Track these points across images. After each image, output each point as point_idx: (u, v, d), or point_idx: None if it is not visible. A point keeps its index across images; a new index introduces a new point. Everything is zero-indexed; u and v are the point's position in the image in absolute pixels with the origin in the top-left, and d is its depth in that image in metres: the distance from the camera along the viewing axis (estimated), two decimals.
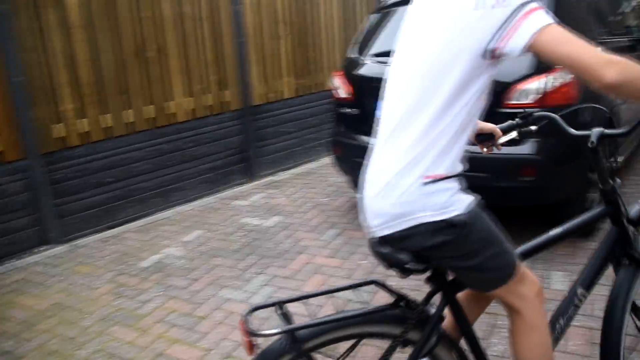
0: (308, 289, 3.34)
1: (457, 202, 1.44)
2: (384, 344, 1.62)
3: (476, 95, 1.39)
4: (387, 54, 3.89)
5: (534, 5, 1.27)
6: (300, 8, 5.92)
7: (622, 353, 1.84)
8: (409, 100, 1.42)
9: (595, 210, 1.82)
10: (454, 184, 1.45)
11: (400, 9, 4.03)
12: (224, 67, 5.28)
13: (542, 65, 3.19)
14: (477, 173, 3.37)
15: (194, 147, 5.13)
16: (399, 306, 1.58)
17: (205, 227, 4.46)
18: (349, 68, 4.13)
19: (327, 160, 5.91)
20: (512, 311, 1.62)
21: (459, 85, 1.36)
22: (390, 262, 1.53)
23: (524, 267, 1.59)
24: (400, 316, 1.57)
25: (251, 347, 1.44)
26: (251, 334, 1.42)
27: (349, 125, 4.09)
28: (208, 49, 5.11)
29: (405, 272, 1.52)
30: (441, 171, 1.41)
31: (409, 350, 1.61)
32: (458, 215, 1.42)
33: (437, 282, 1.61)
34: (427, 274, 1.60)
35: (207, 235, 4.30)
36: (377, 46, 4.02)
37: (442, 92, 1.36)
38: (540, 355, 1.62)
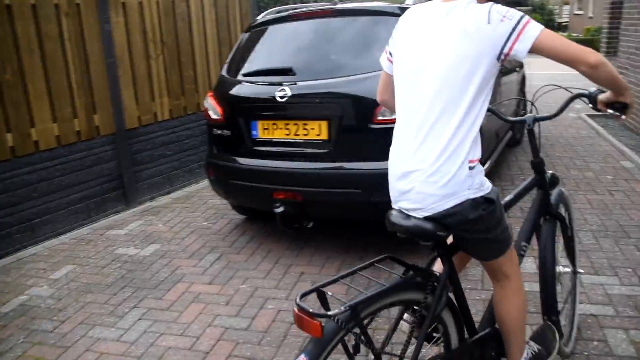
0: (185, 319, 3.22)
1: (487, 181, 1.83)
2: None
3: (490, 91, 1.76)
4: (258, 73, 3.92)
5: (527, 18, 1.66)
6: (172, 27, 5.78)
7: (556, 292, 2.37)
8: (443, 101, 1.71)
9: (530, 179, 2.35)
10: (481, 167, 1.81)
11: (272, 27, 4.05)
12: (93, 89, 5.01)
13: None
14: (350, 189, 3.47)
15: (62, 176, 4.80)
16: (413, 274, 1.85)
17: (77, 262, 4.18)
18: (221, 88, 4.07)
19: (207, 182, 5.79)
20: (503, 277, 2.00)
21: (481, 83, 1.71)
22: (419, 233, 1.79)
23: None
24: (420, 283, 1.84)
25: (321, 328, 1.54)
26: (319, 315, 1.54)
27: (222, 146, 4.03)
28: (74, 70, 4.82)
29: (431, 239, 1.82)
30: (477, 155, 1.77)
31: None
32: (490, 193, 1.81)
33: (441, 248, 1.91)
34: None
35: (79, 270, 4.03)
36: (249, 66, 3.99)
37: (470, 90, 1.70)
38: (523, 312, 2.04)
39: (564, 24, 36.53)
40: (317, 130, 3.49)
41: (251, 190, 3.81)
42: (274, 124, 3.65)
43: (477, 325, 2.16)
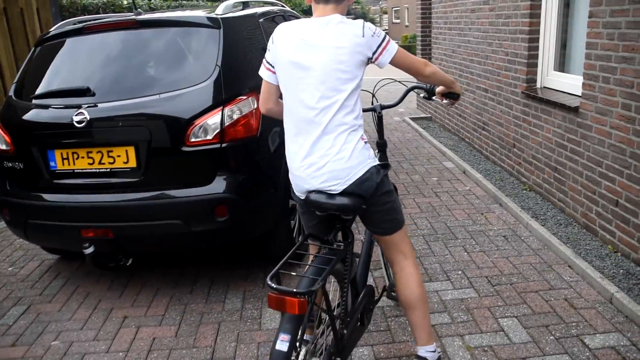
0: None
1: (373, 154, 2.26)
2: None
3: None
4: (53, 94, 3.35)
5: (388, 37, 2.16)
6: None
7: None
8: (332, 101, 2.10)
9: (379, 156, 2.78)
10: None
11: (69, 40, 3.50)
12: None
13: (218, 97, 3.08)
14: (168, 220, 3.10)
15: None
16: (330, 248, 2.16)
17: None
18: (8, 114, 3.44)
19: None
20: (402, 257, 2.39)
21: (358, 82, 2.15)
22: (345, 208, 2.12)
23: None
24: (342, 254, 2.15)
25: (307, 303, 1.78)
26: (302, 293, 1.75)
27: (16, 181, 3.41)
28: None
29: (353, 212, 2.21)
30: (365, 137, 2.20)
31: None
32: (379, 160, 2.40)
33: (344, 222, 2.29)
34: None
35: None
36: (42, 86, 3.40)
37: (352, 89, 2.12)
38: (423, 288, 2.40)
39: (385, 31, 39.10)
40: (124, 157, 3.07)
41: (55, 229, 3.26)
42: (74, 152, 3.14)
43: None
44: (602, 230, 3.84)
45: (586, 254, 3.66)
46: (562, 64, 4.85)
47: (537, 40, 4.95)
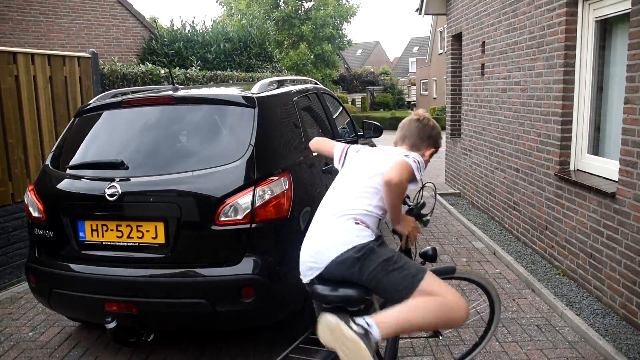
0: None
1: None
2: None
3: None
4: (87, 166, 3.38)
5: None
6: None
7: None
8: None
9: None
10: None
11: (105, 113, 3.59)
12: None
13: (250, 177, 3.05)
14: (193, 299, 3.03)
15: None
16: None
17: None
18: (43, 182, 3.49)
19: None
20: (440, 298, 2.19)
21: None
22: (348, 300, 2.24)
23: None
24: None
25: None
26: None
27: (44, 249, 3.41)
28: None
29: (357, 304, 2.29)
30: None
31: None
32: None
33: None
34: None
35: None
36: (77, 157, 3.46)
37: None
38: (460, 311, 2.23)
39: (413, 103, 39.80)
40: (153, 233, 3.04)
41: (79, 301, 3.22)
42: (104, 225, 3.14)
43: None
44: None
45: (628, 350, 3.45)
46: (596, 147, 4.78)
47: (570, 122, 4.90)
